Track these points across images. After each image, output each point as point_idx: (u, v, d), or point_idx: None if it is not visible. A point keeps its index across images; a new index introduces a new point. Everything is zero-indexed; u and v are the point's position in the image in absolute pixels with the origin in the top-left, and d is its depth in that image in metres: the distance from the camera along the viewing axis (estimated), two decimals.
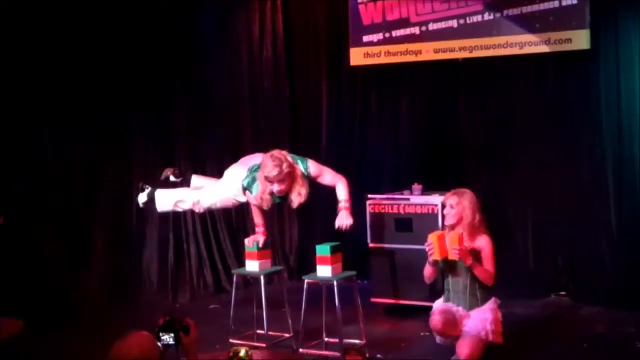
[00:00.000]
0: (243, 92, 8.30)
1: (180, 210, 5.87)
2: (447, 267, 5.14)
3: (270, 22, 8.29)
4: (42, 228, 7.30)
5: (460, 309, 5.09)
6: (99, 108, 7.49)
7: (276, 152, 5.44)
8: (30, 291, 7.18)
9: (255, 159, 5.64)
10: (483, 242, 5.08)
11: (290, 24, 8.35)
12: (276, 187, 5.41)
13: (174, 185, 6.06)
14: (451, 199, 5.14)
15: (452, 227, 5.13)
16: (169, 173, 5.95)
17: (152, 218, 7.63)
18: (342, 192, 5.58)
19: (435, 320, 4.99)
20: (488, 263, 5.05)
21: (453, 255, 4.91)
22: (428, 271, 5.19)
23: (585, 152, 7.06)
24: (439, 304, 5.23)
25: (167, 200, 5.74)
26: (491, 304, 5.08)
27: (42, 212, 7.30)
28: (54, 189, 7.38)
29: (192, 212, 7.76)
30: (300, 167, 5.50)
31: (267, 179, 5.39)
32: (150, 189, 5.77)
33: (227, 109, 8.19)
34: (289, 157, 5.48)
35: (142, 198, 5.82)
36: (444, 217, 5.25)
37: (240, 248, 6.37)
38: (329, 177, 5.65)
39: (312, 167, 5.59)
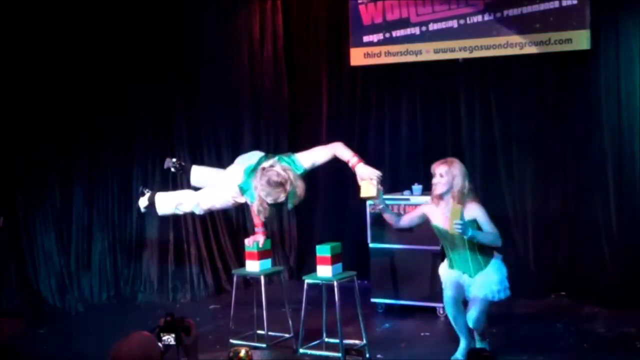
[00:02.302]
0: (243, 92, 8.30)
1: (180, 212, 5.84)
2: (446, 240, 5.22)
3: (270, 22, 8.29)
4: (42, 228, 7.30)
5: (465, 276, 5.18)
6: (99, 108, 7.49)
7: (273, 174, 5.11)
8: (30, 291, 7.20)
9: (251, 158, 5.56)
10: (475, 209, 5.13)
11: (290, 24, 8.36)
12: (271, 201, 5.30)
13: (174, 177, 5.97)
14: (440, 167, 5.20)
15: (441, 197, 5.18)
16: (169, 163, 5.93)
17: (151, 218, 7.63)
18: (345, 152, 5.27)
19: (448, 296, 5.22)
20: (487, 226, 5.12)
21: (454, 230, 4.94)
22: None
23: (585, 152, 7.06)
24: (444, 271, 5.34)
25: (167, 203, 5.72)
26: (494, 264, 5.18)
27: (42, 212, 7.30)
28: (54, 189, 7.37)
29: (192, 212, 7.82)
30: (294, 169, 5.26)
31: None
32: (150, 192, 5.76)
33: (227, 109, 8.19)
34: (282, 171, 5.14)
35: (143, 202, 5.81)
36: (431, 186, 5.25)
37: (240, 248, 6.36)
38: (322, 155, 5.38)
39: (304, 161, 5.33)
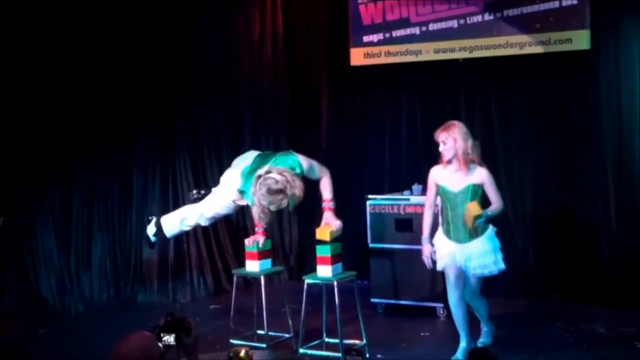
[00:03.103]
0: (243, 92, 8.30)
1: (187, 228, 5.83)
2: (449, 201, 5.33)
3: (270, 22, 8.29)
4: (42, 228, 7.30)
5: (459, 248, 5.27)
6: (99, 108, 7.49)
7: (272, 183, 5.02)
8: (30, 291, 7.20)
9: (247, 158, 5.53)
10: (483, 175, 5.30)
11: (290, 24, 8.36)
12: (274, 208, 5.31)
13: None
14: (441, 135, 5.36)
15: (450, 161, 5.33)
16: (195, 194, 5.93)
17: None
18: (327, 190, 5.40)
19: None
20: (492, 194, 5.30)
21: (473, 225, 5.15)
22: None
23: (585, 152, 7.06)
24: (440, 241, 5.40)
25: (172, 222, 5.72)
26: (488, 234, 5.30)
27: (42, 212, 7.30)
28: (54, 189, 7.37)
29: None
30: (290, 168, 5.21)
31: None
32: (155, 218, 5.77)
33: (227, 109, 8.19)
34: (279, 177, 5.05)
35: (151, 230, 5.81)
36: (439, 154, 5.38)
37: (240, 248, 6.36)
38: (316, 170, 5.40)
39: (304, 164, 5.30)
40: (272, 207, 5.12)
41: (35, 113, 7.21)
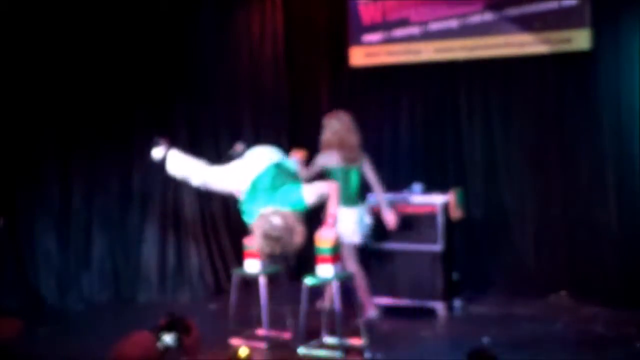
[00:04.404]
0: (243, 92, 8.29)
1: (188, 181, 5.89)
2: (344, 176, 6.22)
3: (270, 22, 8.28)
4: (42, 228, 7.30)
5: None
6: (98, 108, 7.48)
7: (270, 230, 5.18)
8: (30, 291, 7.19)
9: (263, 160, 5.55)
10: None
11: (290, 23, 8.35)
12: (268, 252, 5.41)
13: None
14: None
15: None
16: (239, 149, 5.93)
17: (151, 217, 7.65)
18: (333, 202, 5.45)
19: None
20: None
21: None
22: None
23: (585, 152, 7.06)
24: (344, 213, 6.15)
25: (177, 168, 5.78)
26: (365, 205, 6.42)
27: (42, 212, 7.30)
28: (54, 189, 7.37)
29: (192, 210, 7.82)
30: (297, 206, 5.32)
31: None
32: (164, 148, 5.80)
33: (227, 109, 8.19)
34: (280, 223, 5.18)
35: (157, 153, 5.87)
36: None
37: (240, 248, 6.36)
38: (324, 195, 5.46)
39: (309, 199, 5.39)
40: (266, 250, 5.24)
41: (35, 112, 7.20)
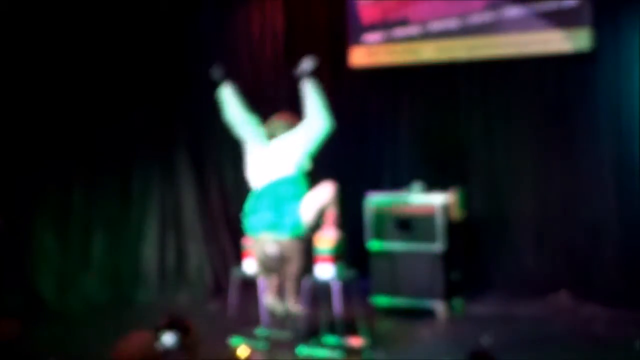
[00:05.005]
0: (243, 92, 8.27)
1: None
2: None
3: (270, 22, 8.28)
4: (42, 228, 7.30)
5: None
6: (99, 108, 7.49)
7: (266, 260, 5.28)
8: (30, 291, 7.20)
9: (282, 167, 5.58)
10: None
11: (290, 23, 8.35)
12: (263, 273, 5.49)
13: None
14: None
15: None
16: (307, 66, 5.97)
17: (150, 217, 7.66)
18: (333, 205, 5.50)
19: None
20: None
21: None
22: None
23: (585, 152, 7.06)
24: None
25: (224, 100, 6.00)
26: None
27: (42, 212, 7.30)
28: (54, 189, 7.37)
29: (192, 210, 7.83)
30: (295, 231, 5.29)
31: None
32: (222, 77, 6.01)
33: None
34: (276, 252, 5.24)
35: (216, 75, 6.10)
36: None
37: (240, 248, 6.37)
38: (326, 196, 5.45)
39: (306, 220, 5.35)
40: (261, 271, 5.35)
41: (35, 113, 7.20)
